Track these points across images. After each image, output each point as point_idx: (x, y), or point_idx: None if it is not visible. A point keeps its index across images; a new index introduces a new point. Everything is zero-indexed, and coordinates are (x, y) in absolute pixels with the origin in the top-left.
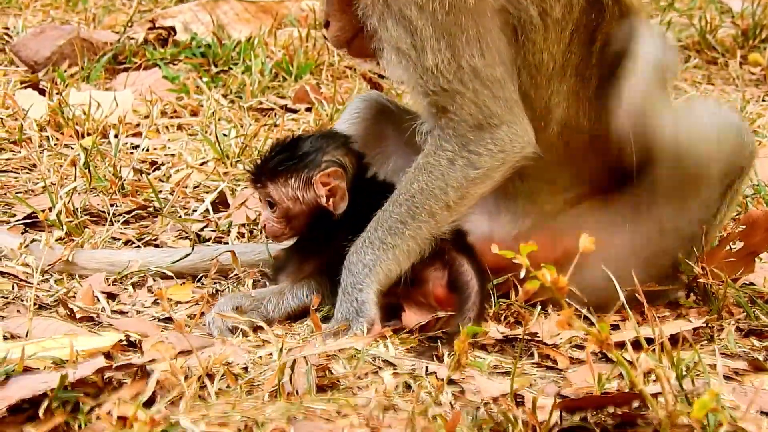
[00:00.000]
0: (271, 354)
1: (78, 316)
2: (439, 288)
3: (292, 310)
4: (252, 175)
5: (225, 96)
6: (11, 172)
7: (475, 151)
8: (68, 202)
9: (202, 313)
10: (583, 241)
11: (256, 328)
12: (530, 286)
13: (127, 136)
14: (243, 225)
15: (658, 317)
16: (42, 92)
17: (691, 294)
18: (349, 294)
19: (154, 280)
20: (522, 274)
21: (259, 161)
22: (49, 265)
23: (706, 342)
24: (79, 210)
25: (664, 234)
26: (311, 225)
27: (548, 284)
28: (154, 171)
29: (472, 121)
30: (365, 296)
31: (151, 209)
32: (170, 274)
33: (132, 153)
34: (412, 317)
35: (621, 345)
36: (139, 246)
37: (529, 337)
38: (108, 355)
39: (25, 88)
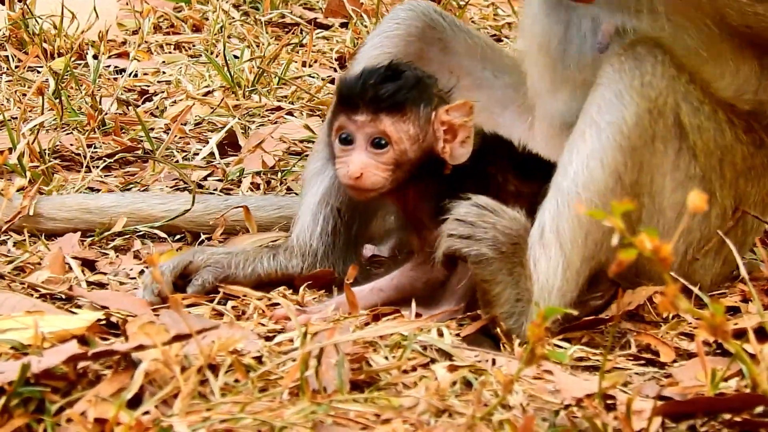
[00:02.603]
0: (292, 340)
1: (44, 289)
2: None
3: (265, 275)
4: (352, 102)
5: (237, 6)
6: None
7: None
8: (33, 142)
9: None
10: (692, 199)
11: (271, 305)
12: (625, 256)
13: (109, 58)
14: (258, 173)
15: None
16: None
17: None
18: None
19: (143, 243)
20: (614, 240)
21: (359, 86)
22: (6, 222)
23: None
24: (47, 152)
25: None
26: (411, 179)
27: (648, 253)
28: (144, 103)
29: None
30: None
31: (139, 152)
32: (163, 235)
33: (116, 79)
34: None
35: (741, 334)
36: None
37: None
38: (82, 340)
39: None
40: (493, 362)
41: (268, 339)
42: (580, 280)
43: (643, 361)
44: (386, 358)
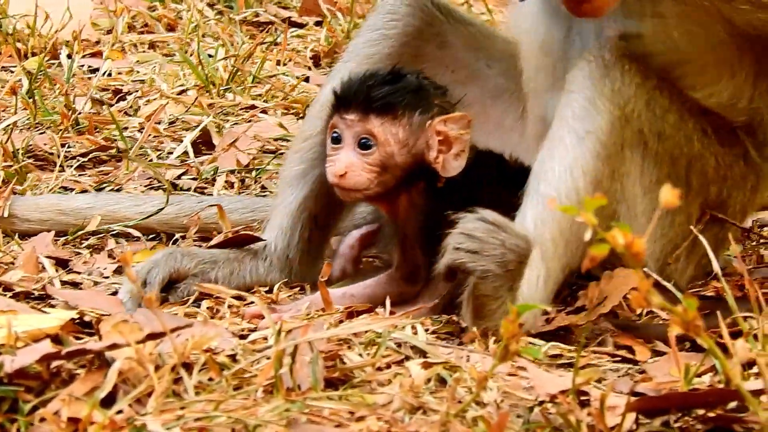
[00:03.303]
0: (266, 338)
1: (18, 288)
2: None
3: (245, 286)
4: (344, 100)
5: (211, 5)
6: None
7: None
8: (6, 142)
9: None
10: (664, 194)
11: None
12: (597, 251)
13: (83, 57)
14: (232, 172)
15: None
16: None
17: None
18: None
19: (117, 242)
20: (586, 236)
21: (355, 85)
22: None
23: None
24: (20, 151)
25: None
26: (401, 186)
27: (620, 249)
28: (118, 102)
29: None
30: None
31: (113, 151)
32: (137, 234)
33: (90, 79)
34: None
35: (714, 329)
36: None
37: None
38: (56, 339)
39: None
40: (468, 359)
41: (242, 337)
42: (556, 288)
43: (617, 358)
44: (360, 355)
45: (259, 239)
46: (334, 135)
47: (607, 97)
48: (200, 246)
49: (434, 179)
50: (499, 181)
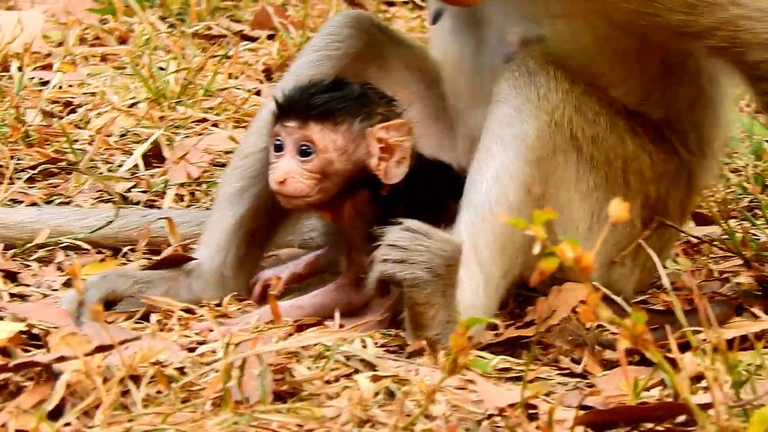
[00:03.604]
0: (214, 351)
1: None
2: None
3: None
4: (284, 108)
5: (163, 19)
6: None
7: None
8: None
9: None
10: (614, 209)
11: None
12: (546, 265)
13: (34, 69)
14: (182, 185)
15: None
16: None
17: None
18: None
19: (66, 254)
20: (535, 249)
21: (296, 93)
22: None
23: None
24: None
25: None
26: (344, 193)
27: (569, 262)
28: (69, 114)
29: None
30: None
31: (64, 163)
32: (86, 246)
33: (40, 91)
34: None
35: (661, 341)
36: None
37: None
38: (4, 351)
39: None
40: (417, 372)
41: (190, 350)
42: (501, 296)
43: (566, 371)
44: (309, 368)
45: (191, 258)
46: (277, 143)
47: (534, 103)
48: (149, 259)
49: (378, 187)
50: (445, 190)
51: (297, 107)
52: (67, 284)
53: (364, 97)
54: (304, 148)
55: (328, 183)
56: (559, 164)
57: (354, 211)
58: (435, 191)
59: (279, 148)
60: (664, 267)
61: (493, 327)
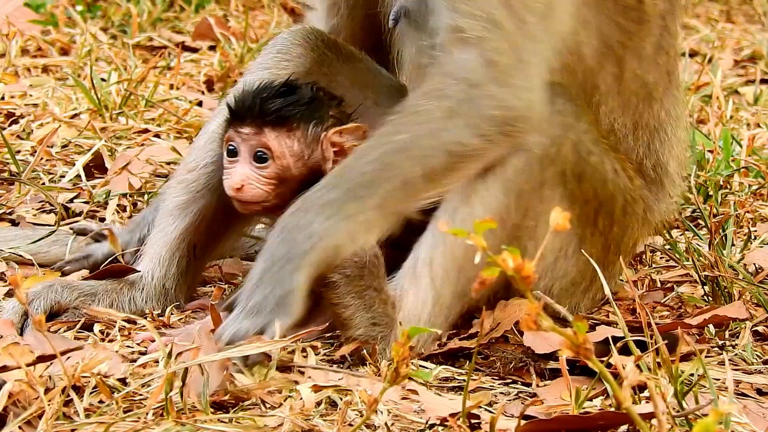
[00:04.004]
0: (156, 361)
1: None
2: None
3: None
4: (239, 114)
5: (105, 30)
6: None
7: (483, 112)
8: None
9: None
10: (555, 218)
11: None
12: (486, 275)
13: None
14: (124, 195)
15: (655, 316)
16: None
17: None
18: (276, 273)
19: (8, 264)
20: (476, 259)
21: (249, 98)
22: None
23: (715, 349)
24: None
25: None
26: (298, 195)
27: (510, 272)
28: (10, 125)
29: (497, 68)
30: (297, 280)
31: (5, 174)
32: (28, 256)
33: None
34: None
35: (604, 352)
36: None
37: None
38: None
39: None
40: (358, 382)
41: (132, 360)
42: (451, 316)
43: (508, 381)
44: (251, 378)
45: (134, 270)
46: (230, 148)
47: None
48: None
49: None
50: None
51: (251, 113)
52: (9, 294)
53: (316, 101)
54: (260, 154)
55: (284, 188)
56: (545, 197)
57: None
58: None
59: (233, 153)
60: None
61: (438, 338)
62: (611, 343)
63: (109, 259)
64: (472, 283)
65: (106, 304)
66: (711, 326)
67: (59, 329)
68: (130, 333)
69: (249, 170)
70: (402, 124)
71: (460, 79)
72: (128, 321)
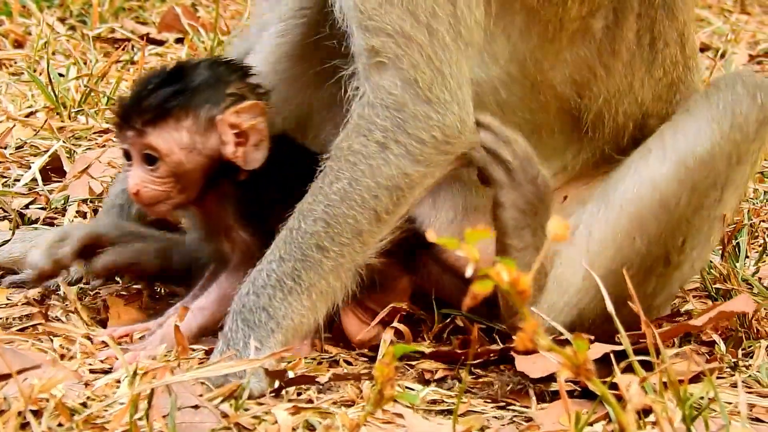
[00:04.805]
0: (119, 381)
1: None
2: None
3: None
4: (120, 117)
5: (62, 21)
6: None
7: (415, 135)
8: None
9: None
10: (553, 226)
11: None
12: (479, 289)
13: None
14: (84, 201)
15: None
16: None
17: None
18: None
19: None
20: (468, 272)
21: (130, 98)
22: None
23: (728, 370)
24: None
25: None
26: (207, 189)
27: (505, 286)
28: None
29: (418, 86)
30: (263, 363)
31: None
32: None
33: None
34: (354, 324)
35: (607, 373)
36: None
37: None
38: None
39: None
40: (339, 404)
41: (94, 380)
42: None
43: (501, 404)
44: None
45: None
46: (124, 151)
47: (723, 129)
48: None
49: (237, 173)
50: (304, 168)
51: (130, 114)
52: None
53: (209, 82)
54: (147, 155)
55: (186, 182)
56: (714, 198)
57: (218, 200)
58: (297, 168)
59: (128, 156)
60: None
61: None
62: (614, 362)
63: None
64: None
65: (151, 250)
66: (722, 343)
67: (15, 343)
68: (90, 351)
69: (142, 173)
70: (338, 170)
71: (385, 107)
72: (87, 338)
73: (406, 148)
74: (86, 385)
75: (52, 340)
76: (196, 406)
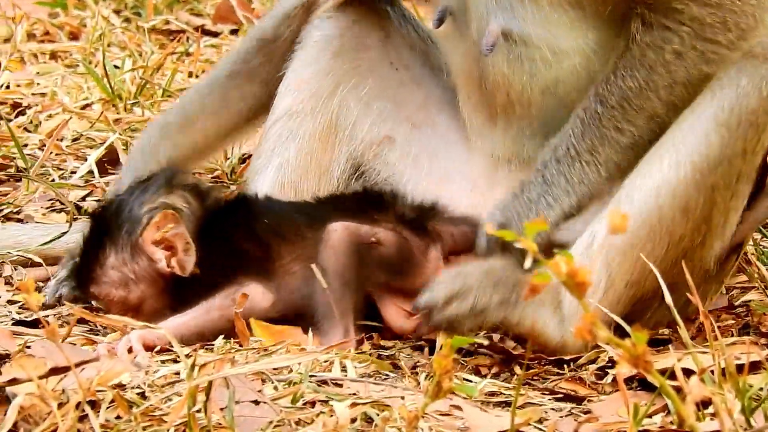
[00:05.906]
0: (178, 373)
1: None
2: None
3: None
4: (78, 289)
5: (117, 12)
6: None
7: (712, 39)
8: None
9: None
10: (613, 217)
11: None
12: (538, 280)
13: None
14: None
15: (720, 327)
16: None
17: None
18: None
19: (15, 269)
20: (527, 263)
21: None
22: None
23: None
24: None
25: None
26: (169, 295)
27: (563, 278)
28: (17, 117)
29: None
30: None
31: (12, 170)
32: (38, 260)
33: None
34: (394, 313)
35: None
36: None
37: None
38: None
39: None
40: (402, 397)
41: (152, 372)
42: (620, 306)
43: (560, 395)
44: (276, 388)
45: None
46: None
47: (730, 125)
48: None
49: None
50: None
51: (80, 281)
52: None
53: (123, 212)
54: (97, 306)
55: (146, 300)
56: (737, 192)
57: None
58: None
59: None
60: None
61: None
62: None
63: None
64: (645, 274)
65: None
66: None
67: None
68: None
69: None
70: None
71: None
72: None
73: (702, 54)
74: (146, 373)
75: (105, 335)
76: (256, 402)
